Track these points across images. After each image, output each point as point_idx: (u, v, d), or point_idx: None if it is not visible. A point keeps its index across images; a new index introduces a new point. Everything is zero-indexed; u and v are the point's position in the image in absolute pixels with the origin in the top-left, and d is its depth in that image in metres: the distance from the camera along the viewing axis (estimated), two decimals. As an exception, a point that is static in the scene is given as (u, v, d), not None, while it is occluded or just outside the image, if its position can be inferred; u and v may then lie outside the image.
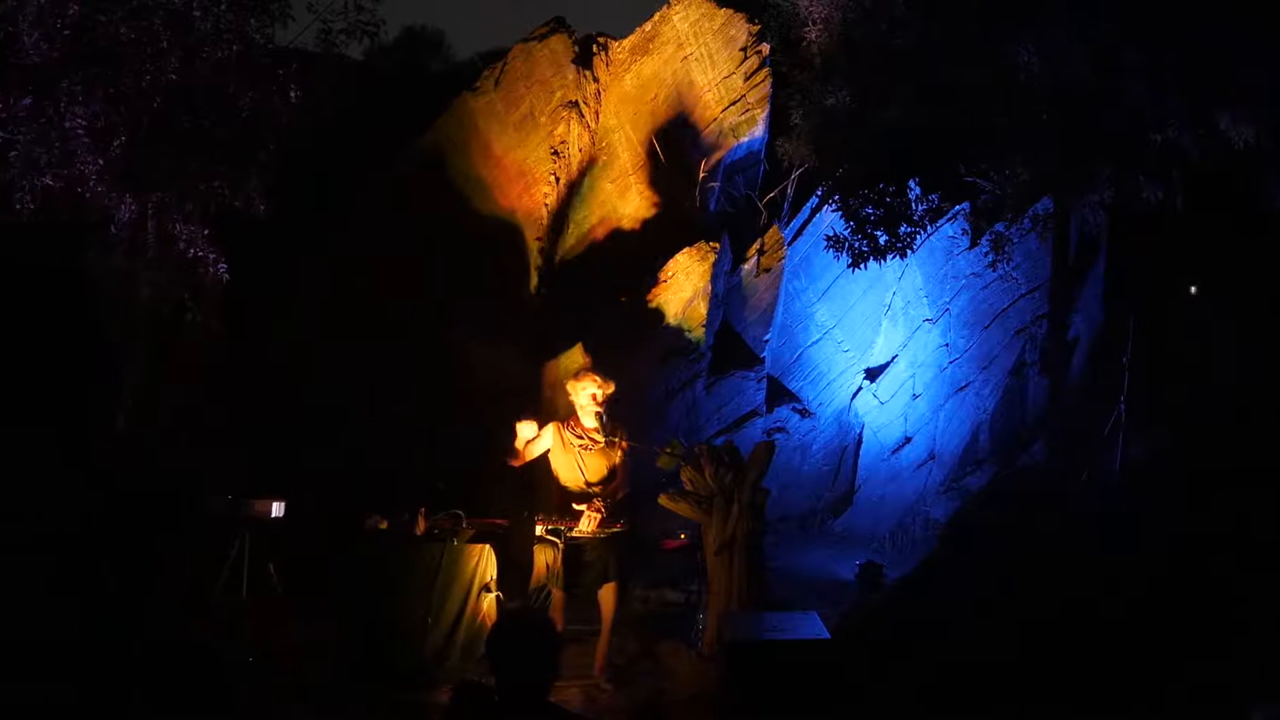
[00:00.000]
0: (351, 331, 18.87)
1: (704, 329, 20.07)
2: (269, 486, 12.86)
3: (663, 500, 12.98)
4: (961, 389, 21.63)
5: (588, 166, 21.64)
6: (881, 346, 22.50)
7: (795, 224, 22.42)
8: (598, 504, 12.06)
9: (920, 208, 19.93)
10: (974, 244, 21.37)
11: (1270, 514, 12.24)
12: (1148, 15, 16.74)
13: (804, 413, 21.96)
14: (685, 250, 20.21)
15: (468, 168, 20.68)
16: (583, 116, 21.22)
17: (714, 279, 20.14)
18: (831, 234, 19.73)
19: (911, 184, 19.94)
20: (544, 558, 12.10)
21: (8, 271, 16.41)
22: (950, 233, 21.52)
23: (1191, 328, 20.21)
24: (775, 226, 21.98)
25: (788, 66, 21.45)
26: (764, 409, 21.29)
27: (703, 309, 20.05)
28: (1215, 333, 19.39)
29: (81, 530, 12.36)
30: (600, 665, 12.19)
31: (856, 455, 22.35)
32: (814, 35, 20.23)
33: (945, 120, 18.07)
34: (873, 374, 22.43)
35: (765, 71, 22.11)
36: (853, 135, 19.01)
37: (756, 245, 21.56)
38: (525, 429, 12.36)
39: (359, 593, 12.35)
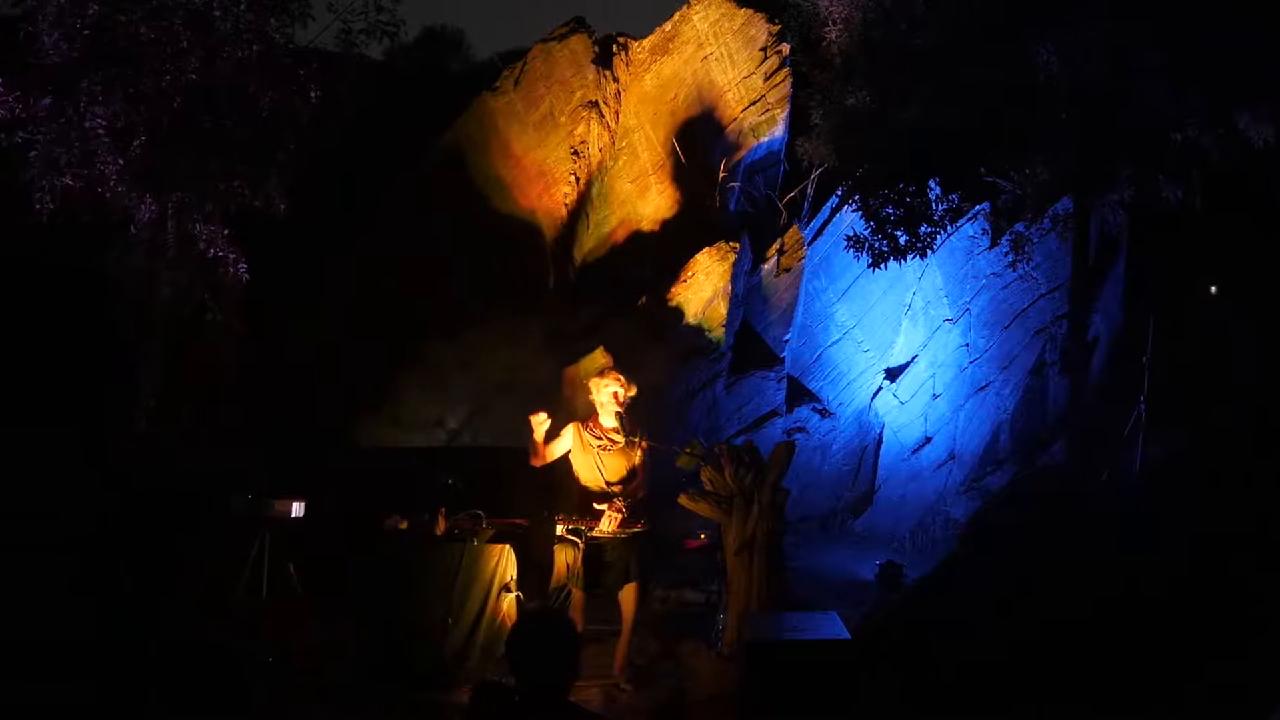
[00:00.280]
0: (374, 331, 18.89)
1: (724, 329, 20.08)
2: (289, 486, 12.85)
3: (683, 500, 12.93)
4: (981, 389, 21.60)
5: (607, 166, 21.62)
6: (901, 346, 22.49)
7: (815, 224, 22.44)
8: (618, 504, 12.03)
9: (940, 207, 19.89)
10: (994, 244, 21.36)
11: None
12: (1167, 15, 16.71)
13: (824, 413, 21.96)
14: (705, 250, 20.22)
15: (488, 168, 20.71)
16: (603, 116, 21.23)
17: (734, 279, 20.15)
18: (852, 234, 19.70)
19: (932, 184, 19.90)
20: (564, 558, 12.06)
21: (28, 272, 16.45)
22: (970, 232, 21.50)
23: (1211, 327, 20.16)
24: (795, 226, 21.99)
25: (808, 66, 21.41)
26: (784, 409, 21.29)
27: (723, 309, 20.05)
28: (1235, 333, 19.34)
29: (100, 530, 12.39)
30: (620, 665, 12.15)
31: (876, 455, 22.35)
32: (834, 35, 20.19)
33: (965, 120, 18.03)
34: (893, 374, 22.42)
35: (785, 71, 22.13)
36: (873, 135, 18.97)
37: (776, 245, 21.56)
38: (539, 421, 12.32)
39: (379, 593, 12.33)
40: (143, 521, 12.66)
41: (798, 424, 21.51)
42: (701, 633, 13.48)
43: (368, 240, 20.37)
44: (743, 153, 22.23)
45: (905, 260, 19.76)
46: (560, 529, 12.09)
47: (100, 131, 15.10)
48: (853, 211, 20.39)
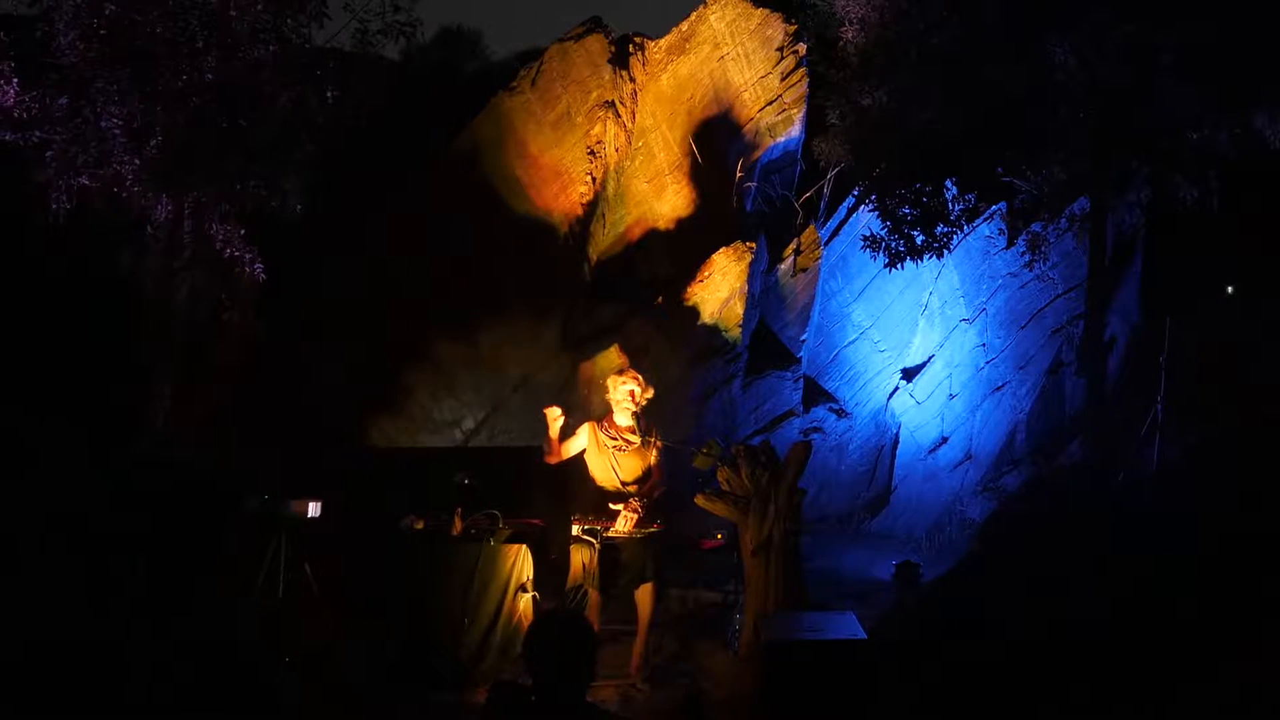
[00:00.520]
0: (390, 331, 18.93)
1: (740, 329, 20.09)
2: (305, 486, 12.85)
3: (699, 500, 12.92)
4: (998, 389, 21.56)
5: (624, 166, 21.63)
6: (918, 346, 22.47)
7: (832, 224, 22.44)
8: (634, 504, 12.00)
9: (957, 207, 19.87)
10: (1011, 244, 21.32)
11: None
12: (1183, 15, 16.69)
13: (840, 413, 21.95)
14: (722, 250, 20.24)
15: (504, 167, 20.73)
16: (619, 116, 21.23)
17: (750, 279, 20.16)
18: (868, 234, 19.69)
19: (948, 184, 19.88)
20: (580, 558, 12.06)
21: (45, 272, 16.48)
22: (987, 232, 21.46)
23: (1228, 327, 20.11)
24: (812, 226, 22.00)
25: (824, 66, 21.41)
26: (800, 409, 21.29)
27: (739, 309, 20.06)
28: (1252, 332, 19.28)
29: (116, 530, 12.40)
30: (636, 665, 12.13)
31: (893, 455, 22.32)
32: (851, 35, 20.18)
33: (982, 120, 18.02)
34: (909, 374, 22.39)
35: (802, 71, 22.12)
36: (889, 135, 18.96)
37: (793, 245, 21.57)
38: (554, 417, 12.30)
39: (395, 593, 12.32)
40: (159, 522, 12.66)
41: (814, 424, 21.51)
42: (718, 633, 13.51)
43: (383, 240, 20.41)
44: (759, 153, 22.24)
45: (922, 260, 19.75)
46: (576, 529, 12.07)
47: (116, 131, 15.14)
48: (869, 211, 20.38)
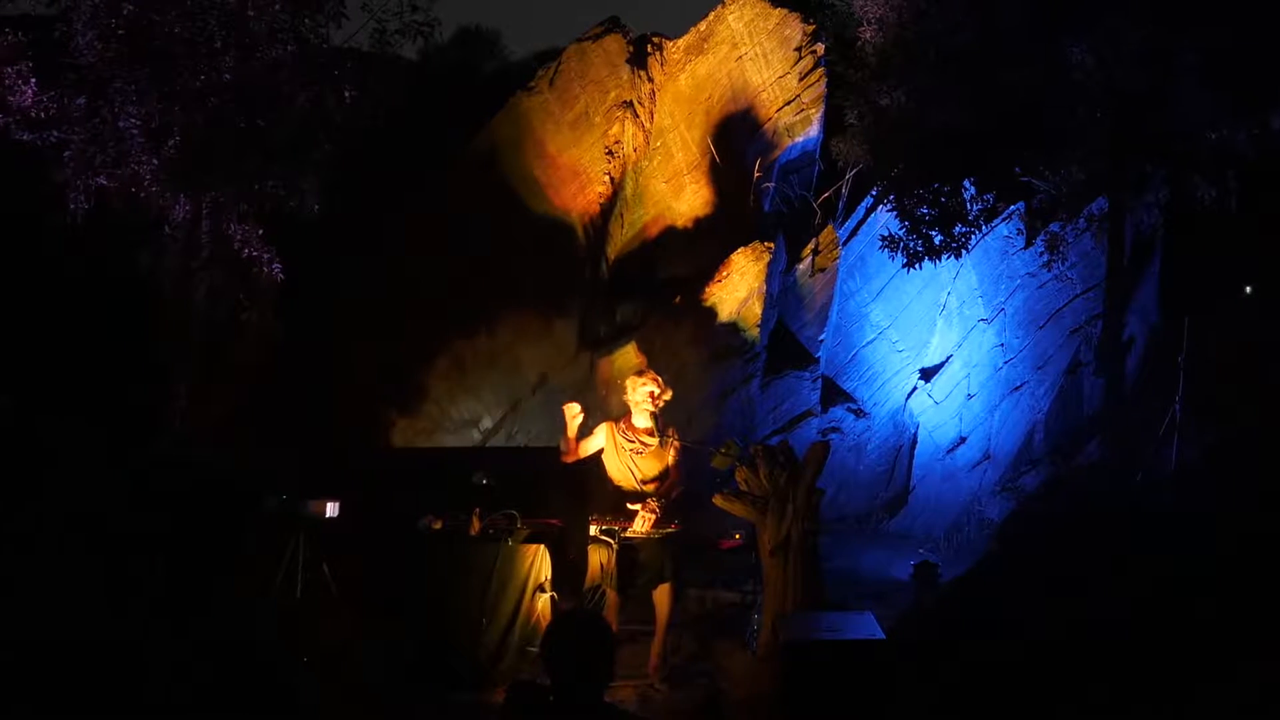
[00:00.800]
0: (408, 331, 18.95)
1: (759, 329, 20.08)
2: (324, 486, 12.85)
3: (718, 500, 12.90)
4: (1016, 389, 21.52)
5: (642, 166, 21.63)
6: (936, 346, 22.44)
7: (850, 224, 22.41)
8: (652, 504, 12.00)
9: (975, 207, 19.84)
10: (1029, 244, 21.28)
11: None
12: (1200, 19, 16.66)
13: (859, 413, 21.94)
14: (740, 250, 20.23)
15: (522, 167, 20.74)
16: (637, 116, 21.23)
17: (769, 279, 20.15)
18: (886, 234, 19.68)
19: (966, 184, 19.85)
20: (598, 558, 12.05)
21: (63, 272, 16.51)
22: (1005, 232, 21.43)
23: (1247, 327, 20.05)
24: (830, 226, 21.98)
25: (843, 66, 21.35)
26: (819, 409, 21.28)
27: (757, 309, 20.05)
28: (1271, 332, 19.23)
29: (135, 530, 12.41)
30: (655, 665, 12.12)
31: (911, 455, 22.29)
32: (869, 35, 20.15)
33: (1000, 120, 18.00)
34: (928, 374, 22.36)
35: (820, 71, 22.10)
36: (908, 135, 18.94)
37: (811, 245, 21.56)
38: (572, 414, 12.29)
39: (413, 593, 12.33)
40: (178, 522, 12.67)
41: (832, 424, 21.50)
42: (736, 633, 13.50)
43: (401, 240, 20.43)
44: (778, 153, 22.22)
45: (940, 260, 19.74)
46: (594, 529, 12.07)
47: (135, 131, 15.17)
48: (887, 211, 20.38)
